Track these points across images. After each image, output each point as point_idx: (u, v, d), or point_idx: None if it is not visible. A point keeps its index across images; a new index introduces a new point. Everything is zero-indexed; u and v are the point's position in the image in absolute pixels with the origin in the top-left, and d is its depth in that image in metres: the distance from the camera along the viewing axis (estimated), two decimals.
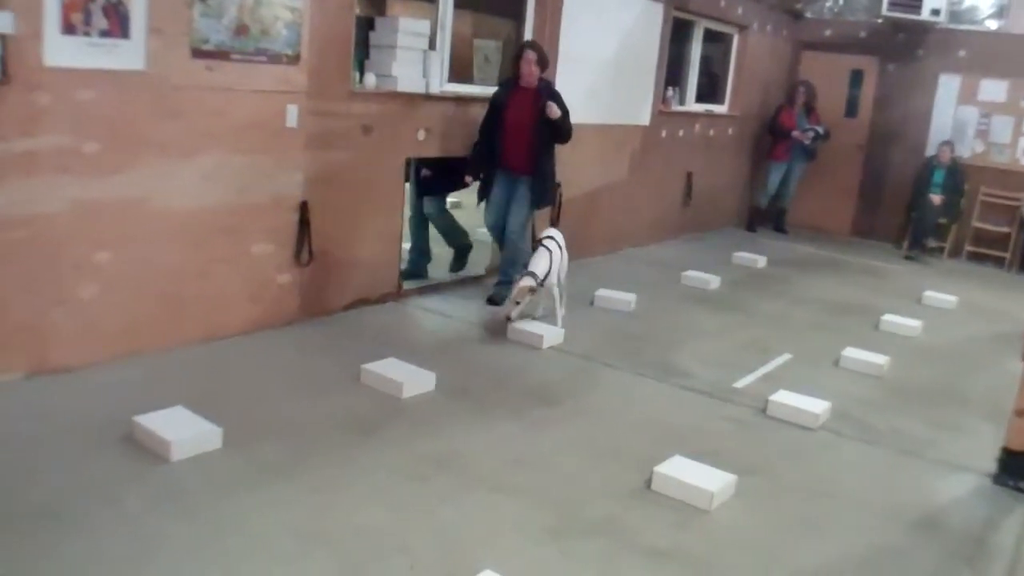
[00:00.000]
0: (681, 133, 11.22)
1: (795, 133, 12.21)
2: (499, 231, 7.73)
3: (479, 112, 7.66)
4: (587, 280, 8.40)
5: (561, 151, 7.66)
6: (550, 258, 6.83)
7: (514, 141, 7.37)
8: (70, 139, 5.11)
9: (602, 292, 7.98)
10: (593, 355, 6.56)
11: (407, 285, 7.60)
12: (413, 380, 5.51)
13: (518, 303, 6.66)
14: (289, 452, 4.61)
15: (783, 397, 5.83)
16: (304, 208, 6.42)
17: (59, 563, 3.53)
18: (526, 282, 6.62)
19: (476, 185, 7.80)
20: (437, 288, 7.89)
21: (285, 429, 4.87)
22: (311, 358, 5.99)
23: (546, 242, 6.96)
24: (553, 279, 6.86)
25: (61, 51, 4.94)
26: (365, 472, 4.48)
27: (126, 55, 5.24)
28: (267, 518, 4.00)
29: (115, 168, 5.34)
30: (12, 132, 4.86)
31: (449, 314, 7.27)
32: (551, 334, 6.70)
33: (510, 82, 7.52)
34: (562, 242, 7.14)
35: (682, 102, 11.43)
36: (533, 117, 7.29)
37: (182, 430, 4.51)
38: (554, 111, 7.20)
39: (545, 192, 7.59)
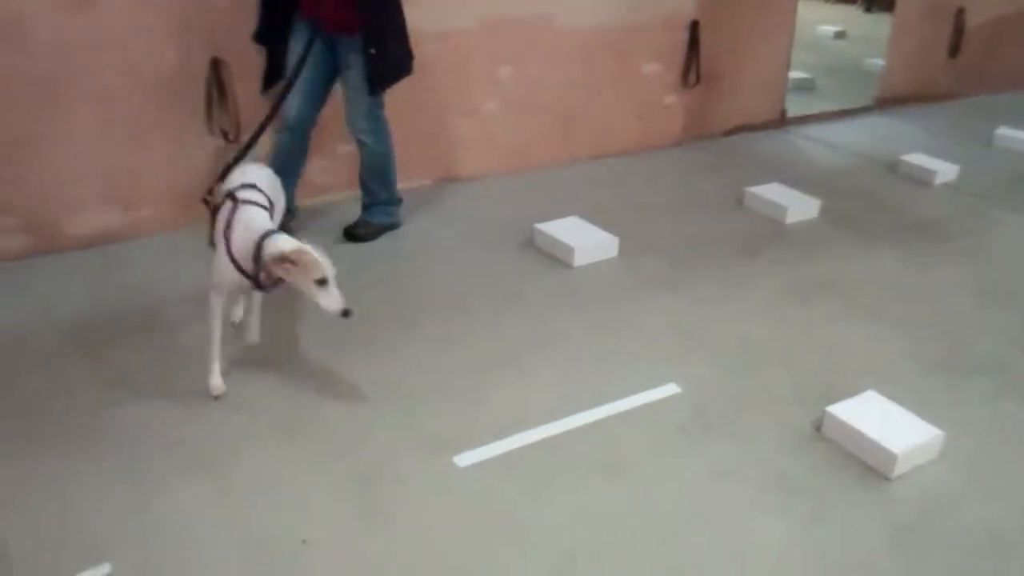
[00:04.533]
0: None
1: None
2: (301, 129, 4.73)
3: None
4: (986, 118, 7.82)
5: None
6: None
7: None
8: None
9: (1003, 131, 7.39)
10: (990, 195, 6.18)
11: (790, 112, 7.44)
12: (797, 206, 5.52)
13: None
14: (675, 265, 4.84)
15: None
16: (695, 27, 6.44)
17: (469, 347, 4.02)
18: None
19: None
20: (822, 118, 7.68)
21: (671, 244, 5.10)
22: (694, 179, 6.15)
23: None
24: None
25: None
26: (747, 289, 4.63)
27: None
28: (654, 321, 4.29)
29: None
30: None
31: (834, 144, 7.10)
32: (944, 171, 6.37)
33: None
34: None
35: None
36: None
37: (583, 238, 4.86)
38: None
39: (386, 58, 4.51)
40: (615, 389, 3.67)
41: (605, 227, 5.01)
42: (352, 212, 5.09)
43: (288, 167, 4.61)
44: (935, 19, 8.24)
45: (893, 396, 3.61)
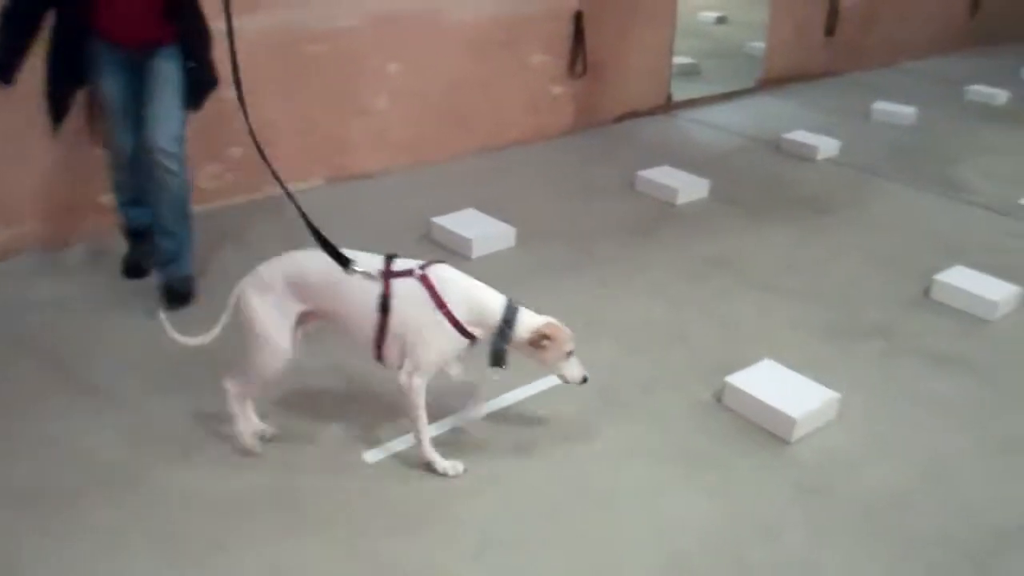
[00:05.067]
0: None
1: None
2: (138, 160, 4.11)
3: None
4: (863, 94, 8.12)
5: None
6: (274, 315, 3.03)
7: None
8: None
9: (880, 105, 7.68)
10: (869, 167, 6.41)
11: (676, 97, 7.58)
12: (687, 187, 5.64)
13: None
14: (572, 251, 4.90)
15: None
16: (579, 18, 6.51)
17: None
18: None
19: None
20: (707, 101, 7.84)
21: (567, 230, 5.15)
22: (586, 166, 6.23)
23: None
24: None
25: None
26: (645, 270, 4.72)
27: None
28: (553, 306, 4.24)
29: None
30: None
31: (720, 126, 7.26)
32: (826, 146, 6.58)
33: None
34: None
35: None
36: None
37: (480, 229, 4.88)
38: None
39: (206, 70, 4.02)
40: (519, 376, 3.67)
41: (501, 218, 5.03)
42: (240, 221, 4.99)
43: (142, 197, 4.29)
44: (811, 0, 8.49)
45: (789, 363, 3.72)
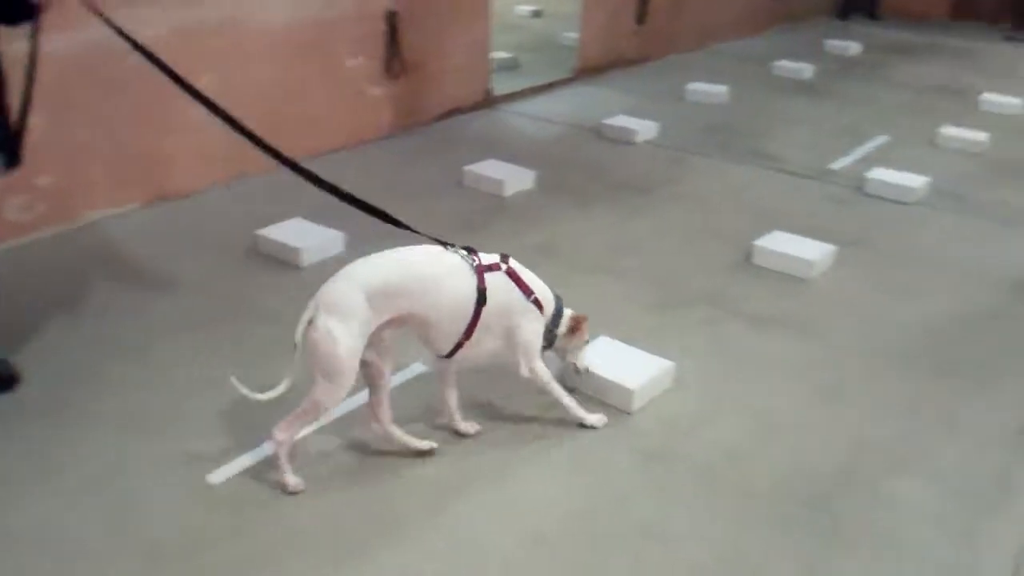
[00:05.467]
0: None
1: None
2: None
3: None
4: (677, 76, 8.38)
5: None
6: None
7: None
8: None
9: (692, 86, 7.95)
10: (686, 146, 6.63)
11: (497, 91, 7.64)
12: (514, 178, 5.70)
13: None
14: None
15: (880, 174, 5.85)
16: (392, 18, 6.47)
17: (206, 365, 3.83)
18: None
19: None
20: (527, 93, 7.93)
21: (398, 230, 5.08)
22: (412, 165, 6.20)
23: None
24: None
25: None
26: None
27: None
28: None
29: None
30: None
31: (541, 117, 7.36)
32: (644, 129, 6.76)
33: None
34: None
35: None
36: None
37: (307, 238, 4.77)
38: None
39: (6, 130, 3.42)
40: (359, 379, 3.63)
41: (329, 224, 4.94)
42: (54, 256, 4.74)
43: None
44: None
45: (623, 338, 3.79)
